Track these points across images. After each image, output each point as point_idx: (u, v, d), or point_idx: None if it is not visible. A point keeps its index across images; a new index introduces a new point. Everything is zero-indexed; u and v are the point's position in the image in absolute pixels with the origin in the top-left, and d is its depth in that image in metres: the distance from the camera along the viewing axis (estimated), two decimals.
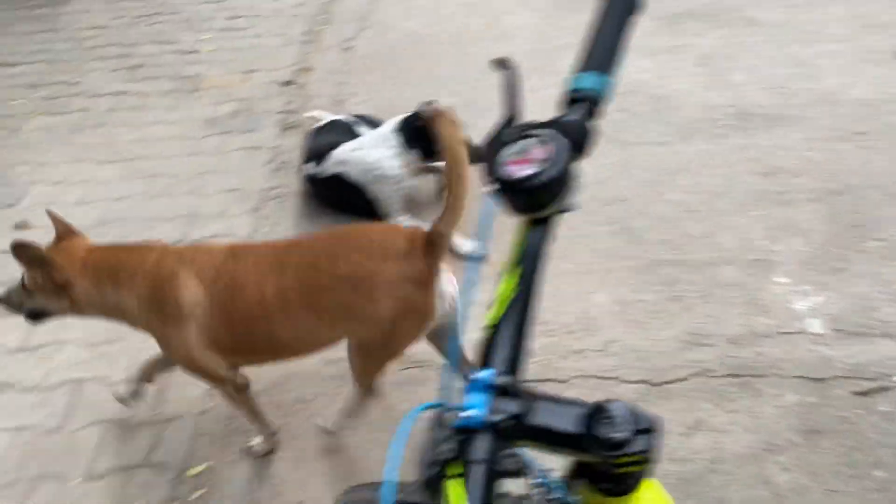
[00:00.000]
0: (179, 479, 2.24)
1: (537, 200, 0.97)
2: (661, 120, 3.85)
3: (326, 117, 3.91)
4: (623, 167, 3.52)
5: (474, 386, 0.85)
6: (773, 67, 4.21)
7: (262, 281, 1.82)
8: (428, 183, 3.43)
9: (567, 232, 3.14)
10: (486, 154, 1.02)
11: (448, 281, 1.95)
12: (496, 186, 0.98)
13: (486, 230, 1.10)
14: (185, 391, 2.51)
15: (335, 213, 3.38)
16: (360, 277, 1.81)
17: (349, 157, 3.15)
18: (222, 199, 3.58)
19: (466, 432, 0.81)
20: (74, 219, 3.56)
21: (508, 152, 0.99)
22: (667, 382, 2.42)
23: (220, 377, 1.95)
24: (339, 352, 2.05)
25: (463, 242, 2.92)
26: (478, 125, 3.85)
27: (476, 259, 2.05)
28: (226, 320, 1.83)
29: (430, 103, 3.08)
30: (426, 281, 1.86)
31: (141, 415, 2.45)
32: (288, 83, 4.65)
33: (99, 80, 4.86)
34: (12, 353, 2.75)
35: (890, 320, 2.52)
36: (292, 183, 3.66)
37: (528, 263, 0.97)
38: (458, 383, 0.90)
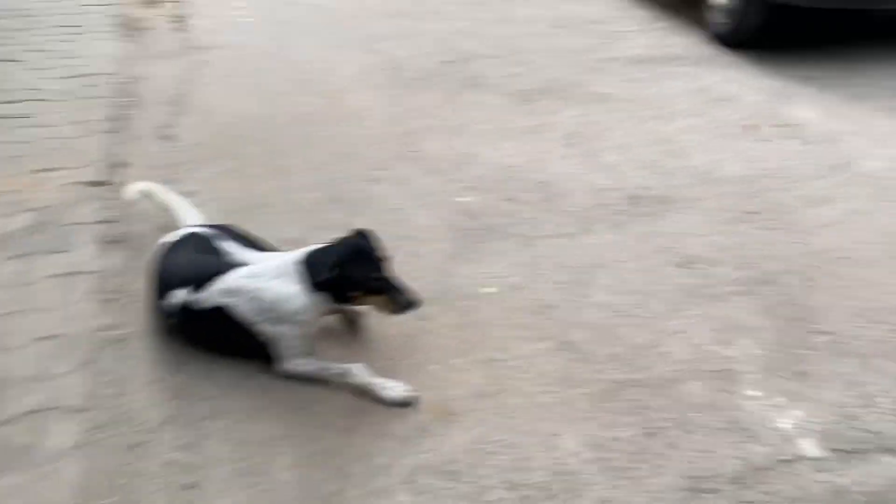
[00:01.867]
0: None
1: None
2: (554, 209, 3.57)
3: (159, 195, 3.19)
4: (533, 266, 3.15)
5: None
6: (641, 146, 4.13)
7: None
8: (335, 321, 2.82)
9: (500, 354, 2.70)
10: None
11: None
12: None
13: None
14: None
15: (208, 356, 2.64)
16: None
17: (242, 286, 2.47)
18: (36, 351, 2.68)
19: None
20: None
21: None
22: None
23: None
24: None
25: None
26: (354, 224, 3.33)
27: None
28: None
29: (362, 234, 2.53)
30: None
31: None
32: (99, 184, 3.77)
33: None
34: None
35: (877, 430, 2.34)
36: (134, 319, 2.84)
37: None
38: None
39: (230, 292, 2.49)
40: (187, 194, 3.65)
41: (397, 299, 2.47)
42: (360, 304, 2.55)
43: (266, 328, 2.48)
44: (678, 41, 5.67)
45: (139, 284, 3.00)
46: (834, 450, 2.26)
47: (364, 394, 2.50)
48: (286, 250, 2.91)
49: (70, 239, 3.32)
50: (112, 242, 3.30)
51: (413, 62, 5.37)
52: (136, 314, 2.87)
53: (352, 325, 2.81)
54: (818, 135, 4.21)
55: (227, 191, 3.73)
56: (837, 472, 2.19)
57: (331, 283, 2.41)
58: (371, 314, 2.75)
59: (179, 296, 2.56)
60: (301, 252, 2.53)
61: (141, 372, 2.61)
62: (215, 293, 2.50)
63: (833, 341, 2.70)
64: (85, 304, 2.92)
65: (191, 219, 3.06)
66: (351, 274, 2.42)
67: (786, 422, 2.37)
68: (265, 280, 2.48)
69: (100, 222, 3.45)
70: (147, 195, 3.25)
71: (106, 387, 2.54)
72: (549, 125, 4.41)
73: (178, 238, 2.82)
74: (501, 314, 2.88)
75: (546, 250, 3.25)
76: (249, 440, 2.34)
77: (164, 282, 2.64)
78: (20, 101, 4.68)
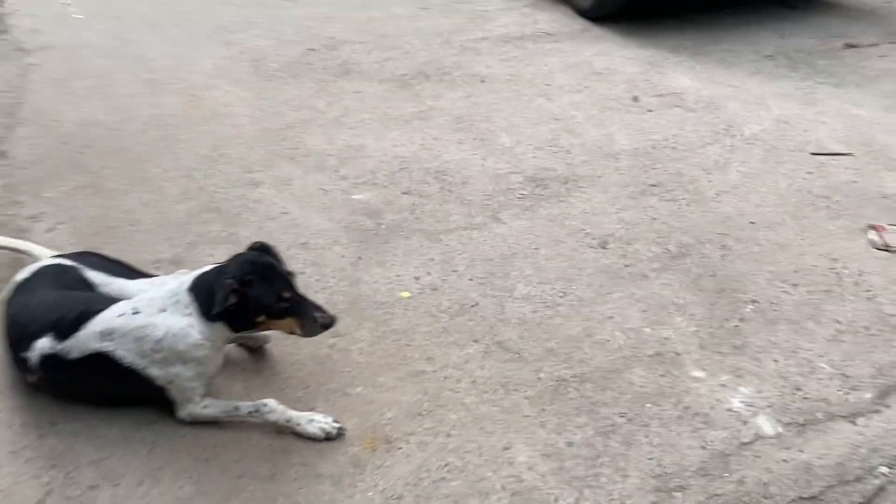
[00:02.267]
0: None
1: None
2: (457, 199, 3.34)
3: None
4: (446, 263, 2.91)
5: None
6: (532, 126, 3.99)
7: None
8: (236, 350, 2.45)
9: (428, 365, 2.45)
10: None
11: None
12: None
13: None
14: None
15: (86, 410, 2.21)
16: None
17: (121, 326, 2.05)
18: None
19: None
20: None
21: None
22: None
23: None
24: None
25: None
26: (238, 235, 2.97)
27: None
28: None
29: (260, 247, 2.17)
30: None
31: None
32: None
33: None
34: None
35: (822, 397, 2.30)
36: None
37: None
38: None
39: (107, 335, 2.07)
40: (32, 218, 3.14)
41: (309, 320, 2.15)
42: (266, 328, 2.20)
43: (157, 371, 2.09)
44: (545, 17, 5.60)
45: None
46: (788, 424, 2.20)
47: (282, 432, 2.17)
48: (162, 274, 2.54)
49: None
50: None
51: (275, 52, 4.95)
52: None
53: (255, 354, 2.45)
54: (698, 102, 4.24)
55: (82, 210, 3.22)
56: (797, 448, 2.12)
57: (231, 310, 2.05)
58: (276, 338, 2.41)
59: (41, 345, 2.11)
60: (189, 277, 2.15)
61: (3, 440, 2.13)
62: (88, 338, 2.07)
63: (761, 309, 2.65)
64: None
65: (44, 255, 2.58)
66: (253, 296, 2.07)
67: (736, 401, 2.28)
68: (149, 315, 2.08)
69: None
70: None
71: None
72: (435, 110, 4.18)
73: (30, 274, 2.34)
74: (421, 320, 2.63)
75: (456, 244, 3.02)
76: None
77: (20, 330, 2.17)
78: None
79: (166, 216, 3.19)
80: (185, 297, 2.08)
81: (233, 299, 2.01)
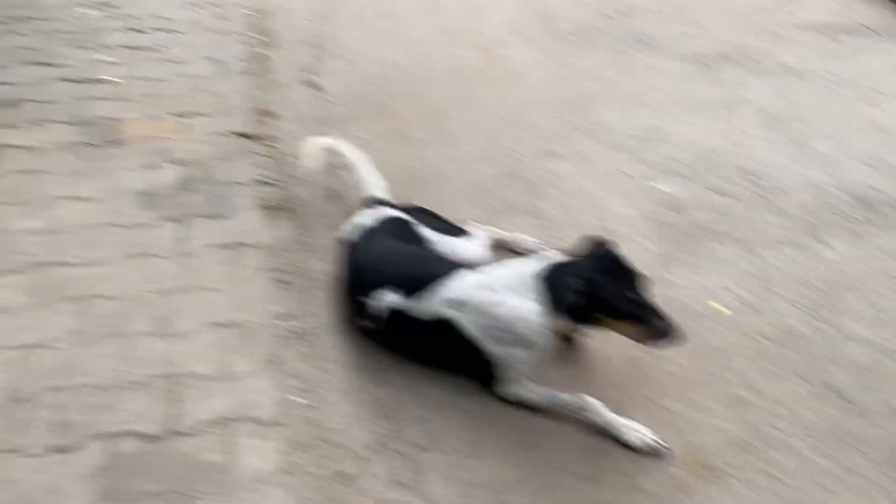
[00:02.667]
0: None
1: None
2: (772, 207, 3.08)
3: (346, 153, 2.84)
4: (764, 280, 2.69)
5: None
6: (855, 134, 3.59)
7: None
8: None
9: (749, 393, 2.27)
10: None
11: None
12: None
13: None
14: None
15: (409, 367, 2.27)
16: None
17: (471, 298, 2.08)
18: (211, 341, 2.34)
19: None
20: None
21: None
22: None
23: None
24: None
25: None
26: (540, 208, 2.91)
27: None
28: None
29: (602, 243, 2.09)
30: None
31: None
32: (249, 136, 3.39)
33: None
34: None
35: None
36: (314, 310, 2.48)
37: None
38: None
39: (457, 304, 2.10)
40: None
41: (653, 328, 2.05)
42: (604, 327, 2.13)
43: (494, 347, 2.09)
44: (863, 8, 5.00)
45: (314, 265, 2.66)
46: None
47: (599, 432, 2.11)
48: (473, 230, 2.54)
49: (229, 202, 2.96)
50: (275, 209, 2.93)
51: (563, 12, 4.81)
52: (315, 303, 2.52)
53: (568, 344, 2.40)
54: None
55: (392, 155, 3.30)
56: None
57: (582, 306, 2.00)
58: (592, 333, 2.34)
59: (389, 299, 2.18)
60: (538, 264, 2.12)
61: (336, 379, 2.25)
62: (438, 303, 2.11)
63: None
64: (257, 286, 2.57)
65: (374, 185, 2.69)
66: (602, 297, 2.00)
67: None
68: (500, 294, 2.08)
69: (257, 183, 3.07)
70: (332, 152, 2.88)
71: (298, 395, 2.20)
72: (740, 100, 3.87)
73: (377, 223, 2.43)
74: (738, 339, 2.45)
75: (775, 261, 2.78)
76: (477, 482, 1.99)
77: (368, 278, 2.26)
78: (145, 29, 4.27)
79: (470, 176, 3.21)
80: (534, 285, 2.06)
81: (580, 301, 1.95)
